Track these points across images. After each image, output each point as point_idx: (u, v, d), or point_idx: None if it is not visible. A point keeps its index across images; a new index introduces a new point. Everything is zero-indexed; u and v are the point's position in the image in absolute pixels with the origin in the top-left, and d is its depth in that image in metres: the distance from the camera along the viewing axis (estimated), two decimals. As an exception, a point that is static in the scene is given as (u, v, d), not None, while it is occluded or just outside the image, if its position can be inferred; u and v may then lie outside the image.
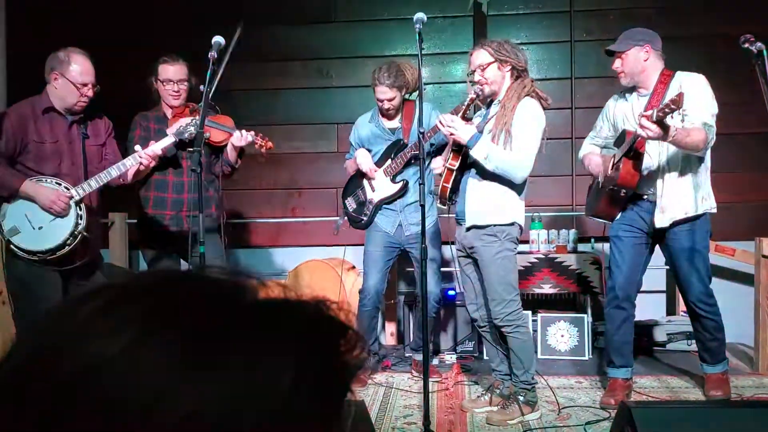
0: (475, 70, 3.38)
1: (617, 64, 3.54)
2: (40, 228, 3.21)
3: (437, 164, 3.46)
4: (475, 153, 3.26)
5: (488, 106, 3.50)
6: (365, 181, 4.19)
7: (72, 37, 3.80)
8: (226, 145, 3.82)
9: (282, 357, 0.51)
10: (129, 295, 0.53)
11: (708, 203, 3.50)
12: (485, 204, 3.35)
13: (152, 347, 0.48)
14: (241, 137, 3.73)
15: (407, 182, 4.09)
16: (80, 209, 3.26)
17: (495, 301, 3.36)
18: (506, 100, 3.33)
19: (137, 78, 3.87)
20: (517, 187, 3.36)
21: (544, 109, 3.37)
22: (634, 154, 3.36)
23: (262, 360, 0.50)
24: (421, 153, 3.15)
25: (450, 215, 3.65)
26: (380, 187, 4.14)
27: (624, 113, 3.59)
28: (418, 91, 3.23)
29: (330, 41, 5.44)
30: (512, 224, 3.37)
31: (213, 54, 3.20)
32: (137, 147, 3.37)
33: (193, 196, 3.67)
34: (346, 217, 4.31)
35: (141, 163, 3.35)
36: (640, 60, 3.48)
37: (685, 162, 3.45)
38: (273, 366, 0.50)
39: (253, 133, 3.75)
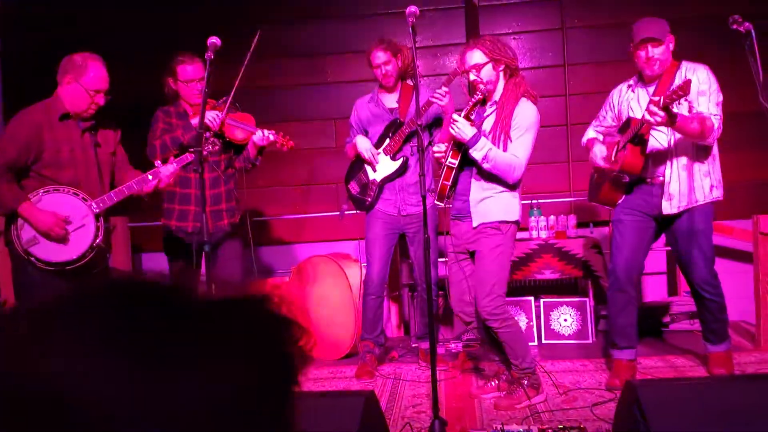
0: (470, 71, 3.42)
1: (657, 52, 3.46)
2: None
3: (440, 149, 3.49)
4: (474, 153, 3.33)
5: (482, 104, 3.54)
6: (366, 164, 4.25)
7: (65, 34, 3.82)
8: (247, 143, 3.87)
9: (231, 358, 0.52)
10: (67, 313, 0.52)
11: (717, 192, 3.55)
12: (491, 204, 3.42)
13: (102, 362, 0.48)
14: (263, 137, 3.79)
15: (407, 158, 4.16)
16: (98, 221, 3.27)
17: (483, 293, 3.39)
18: (504, 101, 3.41)
19: (136, 79, 3.90)
20: (516, 186, 3.45)
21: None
22: (639, 140, 3.42)
23: (213, 362, 0.50)
24: (420, 145, 3.17)
25: (447, 205, 3.68)
26: (381, 166, 4.21)
27: (630, 103, 3.63)
28: (414, 84, 3.26)
29: (323, 37, 5.46)
30: (516, 222, 3.45)
31: (209, 55, 3.20)
32: (158, 162, 3.37)
33: (213, 192, 3.76)
34: (351, 201, 4.37)
35: (161, 181, 3.35)
36: (669, 51, 3.51)
37: (694, 149, 3.49)
38: (223, 367, 0.51)
39: (273, 132, 3.83)
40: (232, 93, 3.73)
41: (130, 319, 0.51)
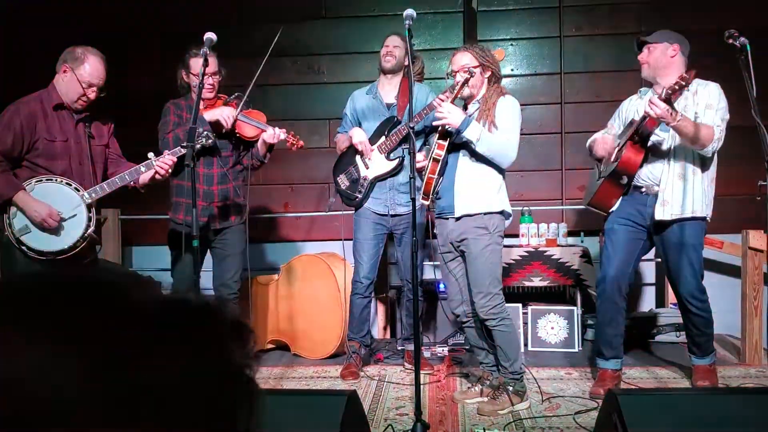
0: (458, 71, 3.44)
1: (644, 54, 3.62)
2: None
3: (419, 158, 3.48)
4: (468, 134, 3.31)
5: (465, 107, 3.55)
6: (358, 158, 4.20)
7: (66, 31, 3.82)
8: (257, 140, 3.86)
9: (177, 357, 0.52)
10: (19, 310, 0.52)
11: (708, 210, 3.57)
12: (475, 193, 3.41)
13: (59, 361, 0.49)
14: (274, 135, 3.78)
15: (403, 159, 4.11)
16: (90, 212, 3.27)
17: (481, 294, 3.41)
18: (486, 98, 3.44)
19: (136, 74, 3.89)
20: (501, 176, 3.45)
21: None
22: (639, 138, 3.44)
23: (162, 361, 0.51)
24: (411, 147, 3.17)
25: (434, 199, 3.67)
26: (375, 164, 4.17)
27: (637, 109, 3.65)
28: (409, 86, 3.26)
29: (320, 37, 5.46)
30: (501, 212, 3.44)
31: (205, 50, 3.21)
32: (150, 154, 3.35)
33: (222, 188, 3.76)
34: (338, 195, 4.33)
35: (158, 173, 3.34)
36: (667, 55, 3.56)
37: (693, 159, 3.50)
38: (170, 366, 0.52)
39: (284, 131, 3.81)
40: (248, 90, 3.71)
41: (80, 314, 0.52)
